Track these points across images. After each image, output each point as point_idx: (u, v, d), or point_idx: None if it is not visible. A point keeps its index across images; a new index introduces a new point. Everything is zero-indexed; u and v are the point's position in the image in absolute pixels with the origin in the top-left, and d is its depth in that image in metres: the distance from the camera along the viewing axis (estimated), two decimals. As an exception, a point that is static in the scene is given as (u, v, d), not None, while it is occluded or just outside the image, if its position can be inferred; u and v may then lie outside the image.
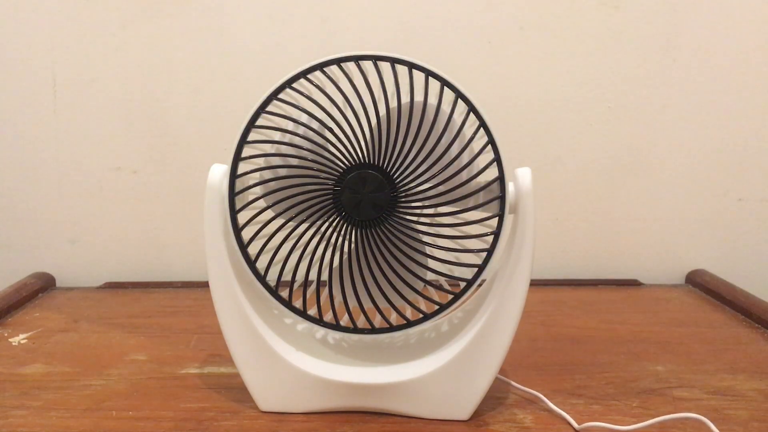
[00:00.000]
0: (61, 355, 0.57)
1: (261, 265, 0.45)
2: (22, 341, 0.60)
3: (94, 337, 0.61)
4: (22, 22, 0.73)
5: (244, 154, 0.43)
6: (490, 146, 0.42)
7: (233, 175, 0.43)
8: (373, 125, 0.41)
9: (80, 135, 0.76)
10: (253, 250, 0.44)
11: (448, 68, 0.42)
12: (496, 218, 0.43)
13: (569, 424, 0.45)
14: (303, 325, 0.49)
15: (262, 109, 0.42)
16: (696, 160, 0.78)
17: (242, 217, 0.44)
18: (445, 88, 0.42)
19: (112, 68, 0.74)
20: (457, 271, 0.44)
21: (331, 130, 0.41)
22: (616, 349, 0.58)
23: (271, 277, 0.45)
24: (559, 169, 0.78)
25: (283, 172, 0.43)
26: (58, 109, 0.75)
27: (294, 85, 0.42)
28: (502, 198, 0.42)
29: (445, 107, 0.42)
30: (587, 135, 0.77)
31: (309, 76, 0.42)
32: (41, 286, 0.74)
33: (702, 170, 0.78)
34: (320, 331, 0.49)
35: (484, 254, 0.43)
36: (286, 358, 0.46)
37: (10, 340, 0.60)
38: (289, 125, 0.43)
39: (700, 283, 0.76)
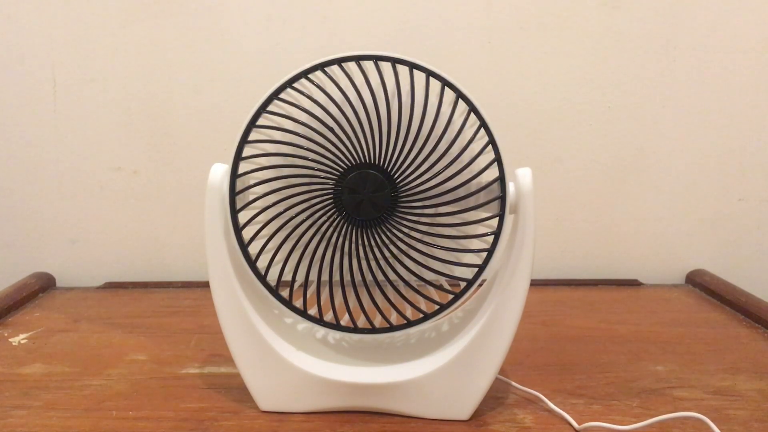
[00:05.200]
0: (61, 355, 0.57)
1: (261, 264, 0.45)
2: (22, 341, 0.60)
3: (94, 337, 0.61)
4: (22, 22, 0.73)
5: (245, 154, 0.43)
6: (490, 146, 0.42)
7: (234, 175, 0.43)
8: (373, 125, 0.41)
9: (80, 135, 0.76)
10: (253, 249, 0.44)
11: (448, 68, 0.43)
12: (497, 218, 0.43)
13: (569, 424, 0.45)
14: (303, 324, 0.49)
15: (263, 109, 0.42)
16: (696, 160, 0.78)
17: (242, 217, 0.44)
18: (446, 88, 0.42)
19: (112, 68, 0.74)
20: (458, 271, 0.44)
21: (332, 129, 0.41)
22: (616, 349, 0.58)
23: (271, 277, 0.45)
24: (559, 169, 0.78)
25: (283, 171, 0.43)
26: (58, 109, 0.75)
27: (295, 84, 0.42)
28: (502, 198, 0.42)
29: (446, 107, 0.42)
30: (587, 135, 0.77)
31: (310, 75, 0.42)
32: (41, 286, 0.74)
33: (702, 170, 0.78)
34: (320, 331, 0.49)
35: (485, 254, 0.43)
36: (287, 358, 0.45)
37: (10, 340, 0.60)
38: (290, 125, 0.43)
39: (700, 283, 0.76)
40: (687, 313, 0.69)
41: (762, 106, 0.77)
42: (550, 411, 0.47)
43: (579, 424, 0.44)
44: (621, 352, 0.57)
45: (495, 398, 0.48)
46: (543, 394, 0.48)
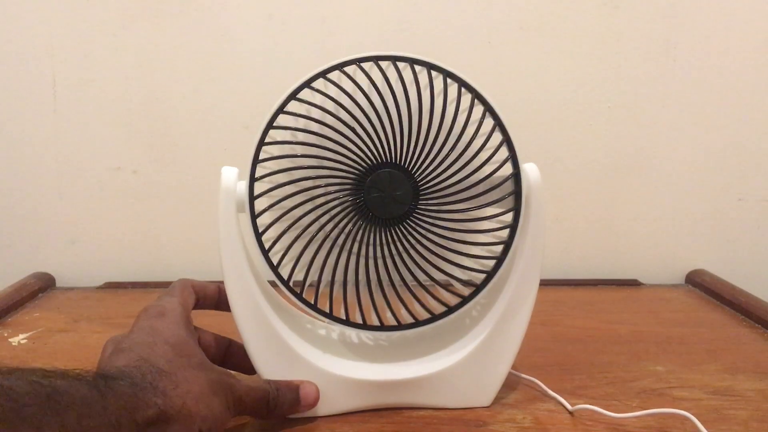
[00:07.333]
0: (61, 355, 0.57)
1: (280, 268, 0.44)
2: (22, 341, 0.60)
3: (94, 337, 0.61)
4: (22, 22, 0.73)
5: (261, 156, 0.42)
6: (505, 144, 0.44)
7: (252, 178, 0.42)
8: (394, 124, 0.42)
9: (80, 135, 0.76)
10: (271, 253, 0.44)
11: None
12: (511, 213, 0.44)
13: (563, 406, 0.46)
14: (323, 328, 0.49)
15: (281, 110, 0.42)
16: (696, 160, 0.78)
17: (260, 222, 0.43)
18: (463, 88, 0.43)
19: (112, 68, 0.74)
20: (479, 264, 0.45)
21: (353, 129, 0.42)
22: (616, 349, 0.58)
23: (292, 281, 0.45)
24: (559, 169, 0.78)
25: (303, 174, 0.42)
26: (58, 109, 0.75)
27: (313, 84, 0.42)
28: (518, 193, 0.44)
29: (464, 107, 0.43)
30: (587, 135, 0.77)
31: (329, 75, 0.42)
32: (41, 286, 0.74)
33: (702, 170, 0.78)
34: (338, 332, 0.49)
35: (501, 246, 0.45)
36: (315, 363, 0.45)
37: (10, 340, 0.60)
38: (313, 125, 0.43)
39: (700, 283, 0.76)
40: (687, 313, 0.69)
41: (762, 106, 0.77)
42: (544, 393, 0.48)
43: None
44: (621, 352, 0.57)
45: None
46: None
